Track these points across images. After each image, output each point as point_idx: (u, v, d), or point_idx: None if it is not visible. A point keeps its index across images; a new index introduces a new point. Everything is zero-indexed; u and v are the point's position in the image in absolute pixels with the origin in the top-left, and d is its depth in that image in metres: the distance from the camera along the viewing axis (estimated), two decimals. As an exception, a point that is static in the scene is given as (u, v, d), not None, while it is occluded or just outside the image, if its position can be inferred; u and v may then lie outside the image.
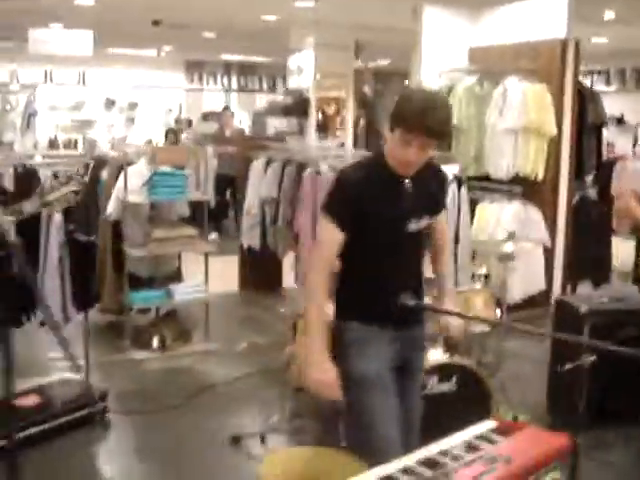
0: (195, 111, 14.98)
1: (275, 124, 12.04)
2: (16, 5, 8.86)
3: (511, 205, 6.51)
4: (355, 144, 10.79)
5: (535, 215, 6.60)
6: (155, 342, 5.73)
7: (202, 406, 4.79)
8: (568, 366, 2.42)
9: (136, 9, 9.40)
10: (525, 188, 6.65)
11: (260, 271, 7.46)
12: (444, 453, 2.43)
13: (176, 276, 6.32)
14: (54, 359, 5.26)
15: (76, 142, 14.04)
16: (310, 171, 5.75)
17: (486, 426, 2.64)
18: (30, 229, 4.34)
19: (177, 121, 14.02)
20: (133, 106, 14.69)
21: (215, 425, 4.53)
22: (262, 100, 15.42)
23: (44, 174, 4.80)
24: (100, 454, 4.28)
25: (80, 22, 9.97)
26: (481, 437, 2.55)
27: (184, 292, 5.76)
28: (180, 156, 5.78)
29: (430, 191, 2.79)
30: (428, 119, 2.51)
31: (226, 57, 15.00)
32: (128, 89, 14.54)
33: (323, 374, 2.59)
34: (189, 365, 5.56)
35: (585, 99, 6.92)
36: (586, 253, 7.06)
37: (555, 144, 6.69)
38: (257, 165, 6.89)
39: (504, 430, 2.60)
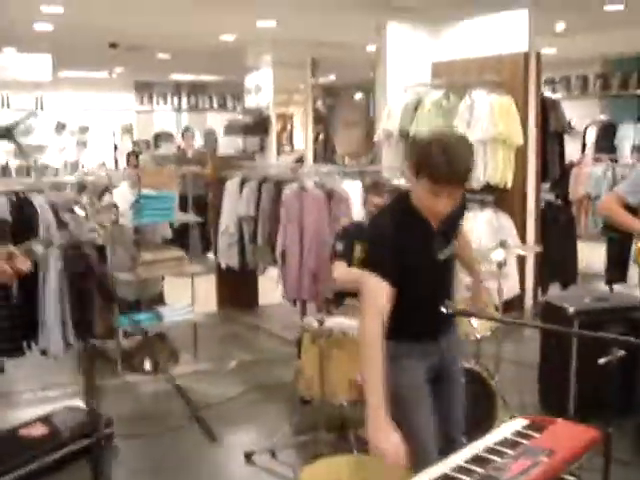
0: (147, 132, 14.94)
1: (232, 143, 12.13)
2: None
3: (483, 213, 6.73)
4: (315, 159, 10.93)
5: (506, 222, 6.83)
6: (147, 365, 5.73)
7: (209, 424, 4.82)
8: (602, 360, 2.55)
9: (93, 32, 9.38)
10: (495, 196, 6.88)
11: (237, 289, 7.52)
12: (488, 451, 2.56)
13: (159, 298, 6.35)
14: (53, 385, 5.28)
15: (28, 169, 13.83)
16: (295, 188, 5.84)
17: (519, 423, 2.77)
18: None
19: (135, 143, 13.96)
20: (84, 129, 14.56)
21: (223, 443, 4.57)
22: (214, 119, 15.49)
23: (38, 203, 4.75)
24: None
25: (35, 46, 9.90)
26: (518, 434, 2.68)
27: (173, 314, 5.79)
28: (163, 179, 5.81)
29: (456, 219, 2.89)
30: (455, 169, 2.52)
31: (177, 77, 14.99)
32: (79, 112, 14.39)
33: (386, 442, 2.50)
34: (184, 386, 5.54)
35: (547, 108, 7.20)
36: (554, 256, 7.31)
37: (521, 153, 6.94)
38: (232, 184, 6.96)
39: (537, 426, 2.74)
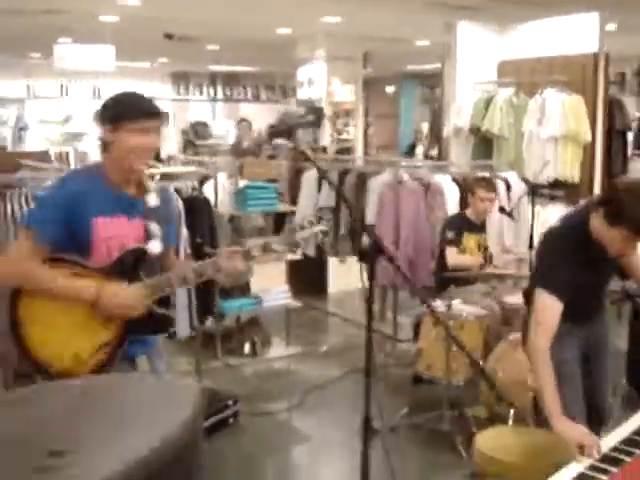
0: (182, 121, 15.14)
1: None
2: (40, 20, 8.96)
3: (555, 207, 7.02)
4: (366, 152, 11.20)
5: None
6: (247, 348, 6.01)
7: (321, 403, 5.11)
8: None
9: (153, 23, 9.57)
10: (563, 191, 7.19)
11: (306, 277, 7.77)
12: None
13: (247, 286, 6.58)
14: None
15: (67, 155, 14.05)
16: (389, 179, 6.09)
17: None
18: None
19: (184, 132, 14.14)
20: (122, 117, 14.71)
21: (342, 419, 4.84)
22: (246, 108, 15.72)
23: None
24: (248, 455, 4.50)
25: (94, 37, 10.05)
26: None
27: (272, 299, 6.05)
28: (262, 170, 6.06)
29: None
30: None
31: (215, 68, 15.19)
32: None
33: (582, 434, 2.65)
34: (286, 368, 5.85)
35: (613, 107, 7.49)
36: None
37: (589, 150, 7.24)
38: (310, 175, 7.21)
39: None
